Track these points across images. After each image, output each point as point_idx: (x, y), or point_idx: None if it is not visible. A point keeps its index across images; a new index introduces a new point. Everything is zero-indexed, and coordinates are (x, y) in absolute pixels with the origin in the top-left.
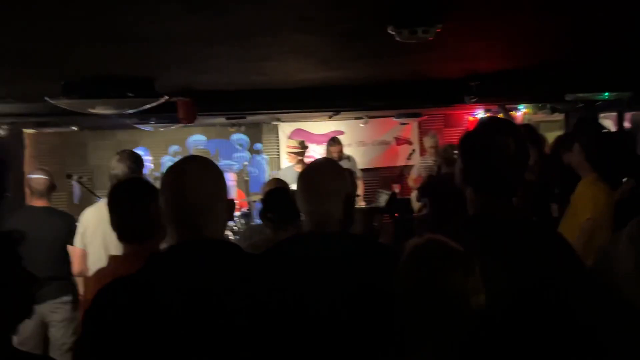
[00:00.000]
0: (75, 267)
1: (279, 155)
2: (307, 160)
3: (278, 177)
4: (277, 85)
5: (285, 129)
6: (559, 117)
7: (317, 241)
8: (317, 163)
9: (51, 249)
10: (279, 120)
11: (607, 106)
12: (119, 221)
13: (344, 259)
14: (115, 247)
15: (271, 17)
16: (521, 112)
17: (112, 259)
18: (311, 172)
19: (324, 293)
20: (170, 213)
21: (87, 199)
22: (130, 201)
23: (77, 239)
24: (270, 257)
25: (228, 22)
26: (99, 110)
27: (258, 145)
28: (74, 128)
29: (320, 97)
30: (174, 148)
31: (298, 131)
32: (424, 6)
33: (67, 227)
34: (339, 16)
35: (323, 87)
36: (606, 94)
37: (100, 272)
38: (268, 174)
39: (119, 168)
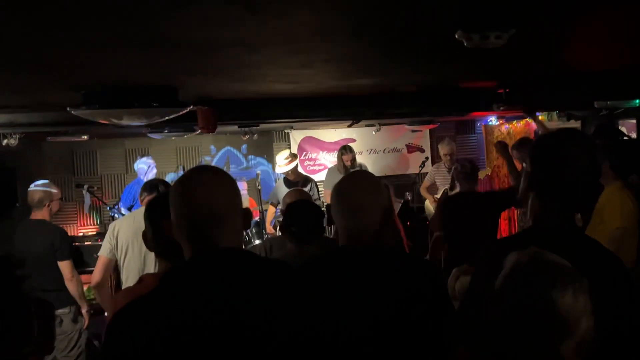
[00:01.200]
0: (95, 275)
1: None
2: (316, 168)
3: (272, 193)
4: (299, 94)
5: (297, 136)
6: (574, 124)
7: (353, 257)
8: (353, 176)
9: (40, 262)
10: (291, 127)
11: (625, 114)
12: (157, 236)
13: (382, 275)
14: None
15: (330, 21)
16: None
17: (146, 277)
18: (347, 186)
19: (360, 311)
20: (182, 227)
21: (97, 208)
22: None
23: (105, 248)
24: (303, 271)
25: (282, 26)
26: (122, 120)
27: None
28: (85, 137)
29: (342, 105)
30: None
31: (308, 139)
32: (499, 8)
33: (51, 240)
34: (402, 20)
35: (346, 95)
36: (637, 100)
37: (131, 291)
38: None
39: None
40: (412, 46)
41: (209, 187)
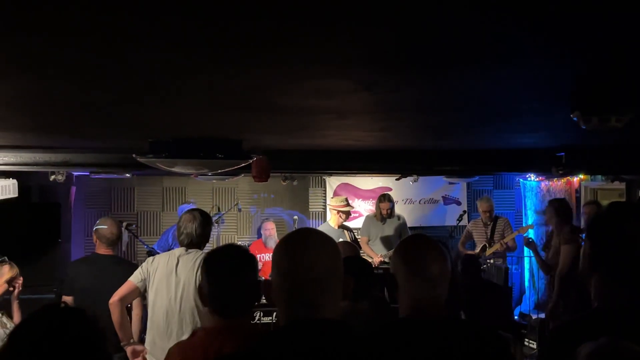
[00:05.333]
0: (116, 294)
1: (325, 208)
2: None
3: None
4: (354, 147)
5: (333, 182)
6: (618, 185)
7: (432, 328)
8: (420, 243)
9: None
10: (329, 174)
11: None
12: (215, 293)
13: (456, 349)
14: (181, 302)
15: (440, 97)
16: (577, 178)
17: (198, 331)
18: (418, 254)
19: None
20: (283, 290)
21: (132, 246)
22: (231, 273)
23: (137, 276)
24: (387, 344)
25: (388, 99)
26: (186, 169)
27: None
28: (128, 175)
29: (394, 159)
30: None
31: (344, 185)
32: (622, 93)
33: (127, 276)
34: (513, 100)
35: (398, 150)
36: None
37: (184, 345)
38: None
39: (190, 228)
40: (511, 119)
41: (315, 251)
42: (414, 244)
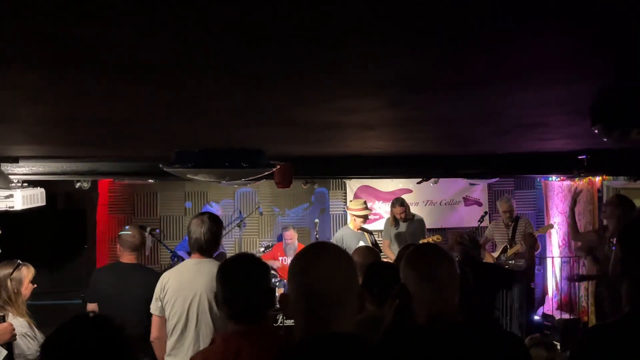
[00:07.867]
0: (153, 332)
1: (345, 210)
2: (372, 217)
3: (336, 240)
4: (374, 153)
5: (353, 185)
6: None
7: (447, 335)
8: (426, 249)
9: (138, 308)
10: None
11: None
12: (230, 300)
13: (478, 353)
14: (198, 315)
15: (470, 112)
16: (599, 178)
17: (216, 338)
18: (424, 259)
19: None
20: (300, 303)
21: (157, 250)
22: (246, 279)
23: (156, 306)
24: (401, 354)
25: (416, 114)
26: (211, 178)
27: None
28: (151, 181)
29: (415, 163)
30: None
31: (365, 188)
32: None
33: (150, 284)
34: (544, 113)
35: (420, 154)
36: None
37: (207, 351)
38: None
39: (199, 233)
40: (534, 130)
41: (329, 266)
42: (420, 251)
